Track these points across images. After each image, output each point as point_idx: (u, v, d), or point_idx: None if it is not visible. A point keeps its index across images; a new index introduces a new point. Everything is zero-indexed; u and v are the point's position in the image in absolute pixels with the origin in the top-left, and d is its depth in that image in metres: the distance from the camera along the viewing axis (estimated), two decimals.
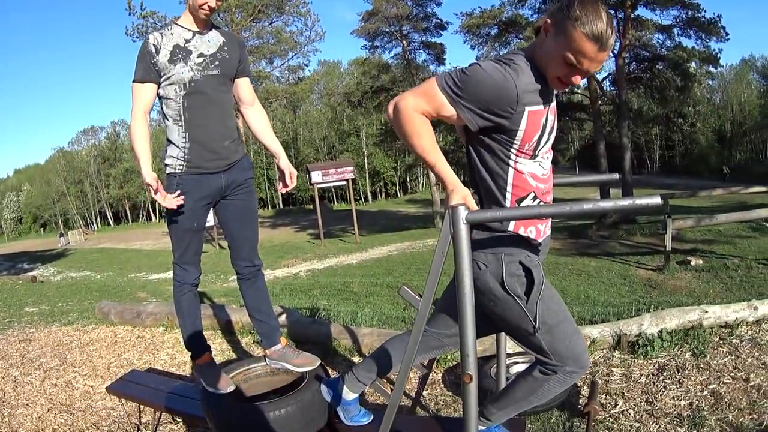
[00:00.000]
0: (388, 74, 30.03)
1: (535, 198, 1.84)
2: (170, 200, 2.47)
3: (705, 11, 21.26)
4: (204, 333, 2.89)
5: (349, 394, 2.40)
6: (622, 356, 3.82)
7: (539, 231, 1.88)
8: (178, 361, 4.65)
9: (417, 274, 11.18)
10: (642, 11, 22.05)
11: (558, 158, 76.39)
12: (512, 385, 2.07)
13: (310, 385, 2.60)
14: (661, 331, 3.91)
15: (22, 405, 3.87)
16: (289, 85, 29.75)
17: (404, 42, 28.63)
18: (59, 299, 8.81)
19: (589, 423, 2.95)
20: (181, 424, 3.43)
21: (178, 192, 2.52)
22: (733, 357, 3.59)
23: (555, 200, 1.86)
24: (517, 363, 3.54)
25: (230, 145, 2.65)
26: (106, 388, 3.63)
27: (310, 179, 23.11)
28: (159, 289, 10.54)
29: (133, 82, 2.53)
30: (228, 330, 5.16)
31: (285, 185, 2.86)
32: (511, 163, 1.79)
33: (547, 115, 1.78)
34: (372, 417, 2.43)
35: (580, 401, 3.28)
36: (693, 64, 23.57)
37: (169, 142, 2.60)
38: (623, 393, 3.33)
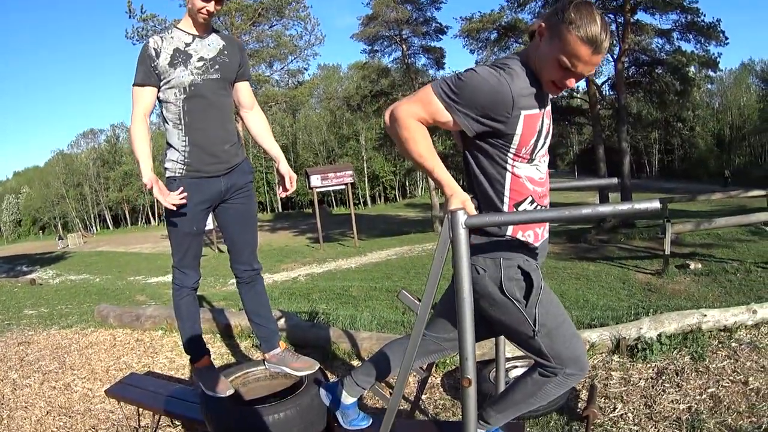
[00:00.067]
0: (388, 78, 30.09)
1: (532, 202, 1.85)
2: (171, 198, 2.46)
3: (704, 15, 21.36)
4: (203, 336, 2.89)
5: (347, 398, 2.40)
6: (621, 360, 3.82)
7: (537, 235, 1.88)
8: (177, 364, 4.64)
9: (416, 279, 11.18)
10: (641, 15, 22.16)
11: (557, 162, 76.55)
12: (511, 388, 2.07)
13: (309, 389, 2.60)
14: (660, 335, 3.92)
15: (21, 408, 3.86)
16: (288, 89, 29.73)
17: (404, 46, 28.67)
18: (58, 302, 8.80)
19: (588, 427, 2.95)
20: (180, 427, 3.43)
21: (181, 189, 2.52)
22: (732, 360, 3.60)
23: (554, 204, 1.87)
24: (516, 367, 3.54)
25: (230, 149, 2.66)
26: (105, 391, 3.62)
27: (309, 183, 23.17)
28: (158, 292, 10.53)
29: (133, 85, 2.53)
30: (227, 334, 5.15)
31: (285, 189, 2.86)
32: (509, 167, 1.80)
33: (542, 118, 1.79)
34: (371, 421, 2.43)
35: (579, 405, 3.28)
36: (692, 68, 23.62)
37: (169, 145, 2.61)
38: (622, 397, 3.33)
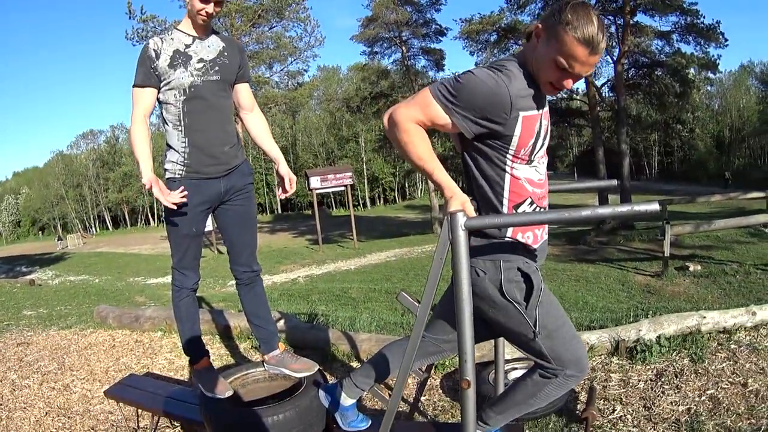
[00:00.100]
0: (388, 80, 30.11)
1: (531, 203, 1.85)
2: (172, 197, 2.45)
3: (704, 17, 21.42)
4: (202, 338, 2.89)
5: (347, 400, 2.40)
6: (621, 362, 3.82)
7: (536, 236, 1.89)
8: (177, 365, 4.64)
9: (415, 280, 11.19)
10: (641, 17, 22.24)
11: (557, 164, 76.58)
12: (512, 389, 2.07)
13: (308, 391, 2.60)
14: (659, 337, 3.92)
15: (20, 408, 3.86)
16: (288, 91, 29.76)
17: (403, 48, 28.69)
18: (57, 303, 8.79)
19: (587, 428, 2.95)
20: (179, 428, 3.42)
21: (181, 188, 2.51)
22: (731, 362, 3.60)
23: (553, 206, 1.87)
24: (515, 369, 3.54)
25: (230, 151, 2.66)
26: (104, 392, 3.62)
27: (308, 185, 23.17)
28: (157, 293, 10.52)
29: (133, 86, 2.53)
30: (226, 335, 5.15)
31: (284, 191, 2.86)
32: (508, 169, 1.80)
33: (540, 119, 1.79)
34: (370, 422, 2.43)
35: (578, 407, 3.28)
36: (692, 70, 23.68)
37: (169, 147, 2.61)
38: (621, 398, 3.33)
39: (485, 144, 1.78)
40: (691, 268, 9.21)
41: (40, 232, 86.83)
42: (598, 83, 24.13)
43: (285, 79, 30.08)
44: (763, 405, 3.01)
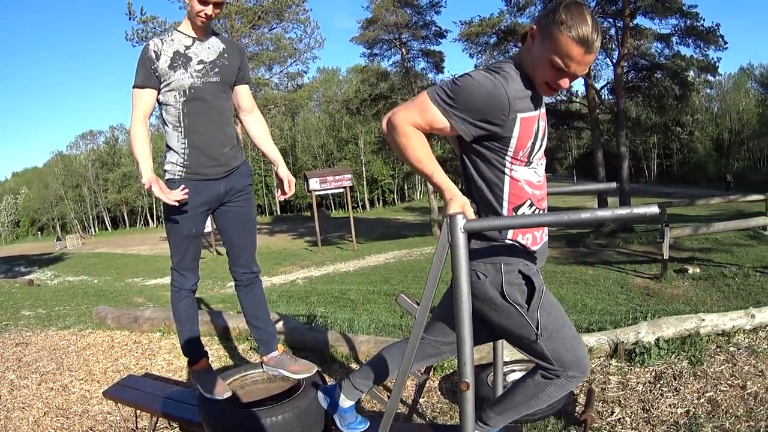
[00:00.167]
0: (387, 82, 30.07)
1: (531, 205, 1.85)
2: (173, 194, 2.45)
3: (704, 20, 21.42)
4: (201, 339, 2.89)
5: (345, 402, 2.40)
6: (619, 364, 3.83)
7: (536, 238, 1.89)
8: (175, 366, 4.64)
9: (414, 282, 11.19)
10: (641, 20, 22.24)
11: (556, 167, 76.59)
12: (512, 389, 2.07)
13: (306, 392, 2.60)
14: (658, 339, 3.92)
15: (18, 408, 3.85)
16: (287, 92, 29.75)
17: (403, 50, 28.68)
18: (56, 303, 8.79)
19: (586, 431, 2.96)
20: (177, 429, 3.42)
21: (182, 186, 2.51)
22: (730, 365, 3.60)
23: (552, 209, 1.87)
24: (514, 371, 3.54)
25: (229, 152, 2.66)
26: (102, 392, 3.62)
27: (308, 186, 23.18)
28: (156, 294, 10.52)
29: (133, 87, 2.54)
30: (225, 336, 5.15)
31: (283, 193, 2.86)
32: (507, 171, 1.80)
33: (538, 121, 1.80)
34: (368, 424, 2.43)
35: (577, 409, 3.28)
36: (691, 73, 23.69)
37: (169, 148, 2.61)
38: (620, 401, 3.34)
39: (484, 146, 1.79)
40: (690, 271, 9.22)
41: (39, 232, 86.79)
42: (598, 86, 24.17)
43: (284, 81, 30.10)
44: (761, 407, 3.01)
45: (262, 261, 3.12)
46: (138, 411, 3.41)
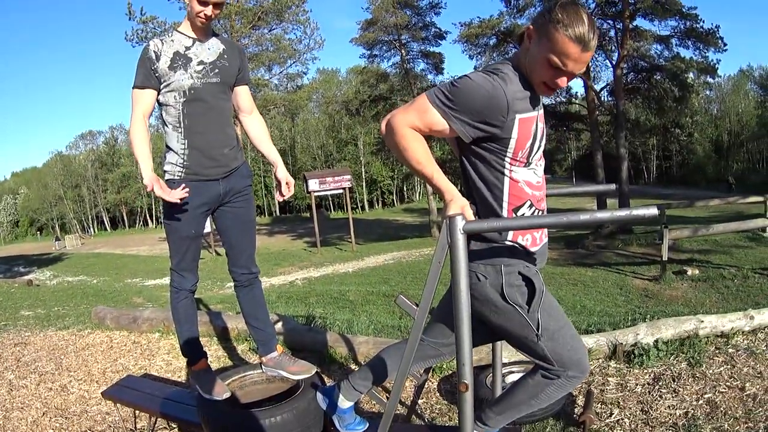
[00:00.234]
0: (387, 83, 30.03)
1: (531, 206, 1.86)
2: (175, 193, 2.46)
3: (703, 22, 21.41)
4: (200, 339, 2.89)
5: (344, 402, 2.40)
6: (618, 366, 3.83)
7: (535, 239, 1.89)
8: (174, 367, 4.64)
9: (413, 283, 11.19)
10: (640, 22, 22.23)
11: (555, 168, 76.60)
12: (512, 389, 2.07)
13: (305, 393, 2.60)
14: (656, 341, 3.92)
15: (17, 408, 3.85)
16: (287, 93, 29.74)
17: (403, 51, 28.65)
18: (55, 303, 8.79)
19: None
20: (176, 430, 3.42)
21: (183, 185, 2.52)
22: (728, 366, 3.60)
23: (551, 210, 1.88)
24: (512, 372, 3.54)
25: (229, 153, 2.66)
26: (101, 393, 3.62)
27: (307, 187, 23.16)
28: (155, 294, 10.52)
29: (133, 87, 2.54)
30: (224, 337, 5.15)
31: (282, 194, 2.87)
32: (506, 172, 1.81)
33: (536, 121, 1.80)
34: (367, 425, 2.43)
35: (576, 410, 3.28)
36: (691, 75, 23.69)
37: (169, 148, 2.61)
38: (619, 402, 3.34)
39: (483, 148, 1.79)
40: (689, 272, 9.22)
41: (38, 232, 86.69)
42: (597, 87, 24.16)
43: (284, 82, 30.10)
44: (760, 408, 3.01)
45: (261, 262, 3.12)
46: (137, 411, 3.40)
